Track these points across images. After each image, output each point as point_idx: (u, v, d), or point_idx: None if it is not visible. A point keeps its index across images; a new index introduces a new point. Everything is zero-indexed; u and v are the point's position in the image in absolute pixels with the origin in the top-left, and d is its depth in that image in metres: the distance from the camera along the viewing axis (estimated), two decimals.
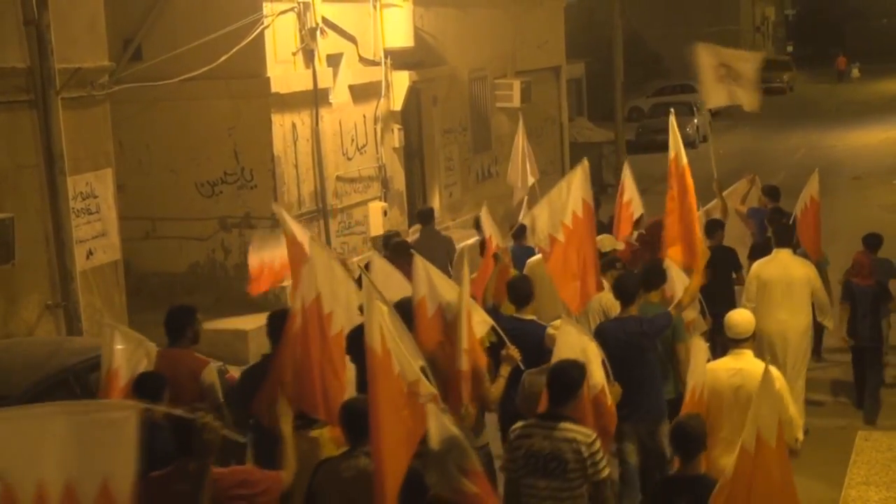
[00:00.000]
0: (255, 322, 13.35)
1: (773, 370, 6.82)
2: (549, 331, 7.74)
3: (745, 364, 7.46)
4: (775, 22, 59.36)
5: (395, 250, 10.54)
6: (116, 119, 12.06)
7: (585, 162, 9.36)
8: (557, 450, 6.23)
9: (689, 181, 10.09)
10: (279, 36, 14.11)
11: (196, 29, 13.48)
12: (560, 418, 6.34)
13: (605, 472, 6.30)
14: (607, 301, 9.07)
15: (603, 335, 7.73)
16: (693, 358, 7.27)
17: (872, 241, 11.25)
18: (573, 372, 6.46)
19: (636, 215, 11.82)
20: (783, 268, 10.22)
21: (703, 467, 6.21)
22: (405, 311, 7.07)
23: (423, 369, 6.22)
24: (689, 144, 28.19)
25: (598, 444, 6.28)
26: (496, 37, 20.52)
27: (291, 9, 14.24)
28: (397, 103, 16.50)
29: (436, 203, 18.04)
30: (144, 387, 6.49)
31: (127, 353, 7.02)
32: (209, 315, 11.63)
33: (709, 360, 7.90)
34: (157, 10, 14.13)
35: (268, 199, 14.04)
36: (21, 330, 10.26)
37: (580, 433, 6.29)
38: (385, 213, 16.06)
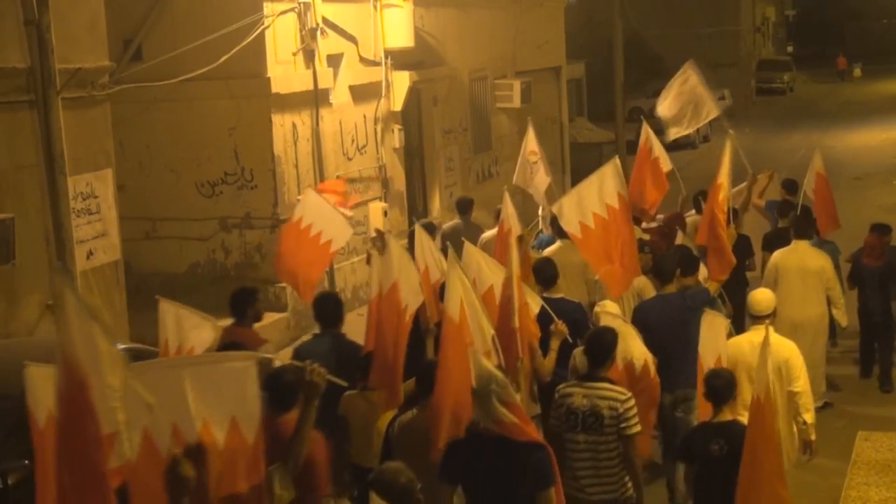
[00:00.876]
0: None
1: (784, 341, 8.06)
2: (596, 309, 8.63)
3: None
4: (775, 22, 59.20)
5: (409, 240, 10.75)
6: (116, 119, 12.06)
7: (617, 160, 9.91)
8: (595, 406, 6.83)
9: (722, 197, 10.43)
10: (279, 36, 14.10)
11: (196, 29, 13.48)
12: (598, 379, 6.97)
13: (635, 429, 6.84)
14: (640, 284, 9.76)
15: (647, 311, 8.73)
16: (712, 332, 7.92)
17: (883, 228, 11.67)
18: (607, 336, 7.17)
19: (666, 169, 12.13)
20: (799, 258, 10.88)
21: (729, 416, 6.87)
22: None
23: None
24: (689, 145, 28.41)
25: (631, 402, 6.85)
26: (496, 37, 20.51)
27: (292, 9, 14.23)
28: (397, 103, 16.50)
29: (436, 203, 18.05)
30: None
31: (198, 331, 7.50)
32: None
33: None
34: (157, 10, 14.13)
35: (268, 199, 14.06)
36: (21, 330, 10.26)
37: (616, 391, 6.89)
38: (385, 214, 16.05)
